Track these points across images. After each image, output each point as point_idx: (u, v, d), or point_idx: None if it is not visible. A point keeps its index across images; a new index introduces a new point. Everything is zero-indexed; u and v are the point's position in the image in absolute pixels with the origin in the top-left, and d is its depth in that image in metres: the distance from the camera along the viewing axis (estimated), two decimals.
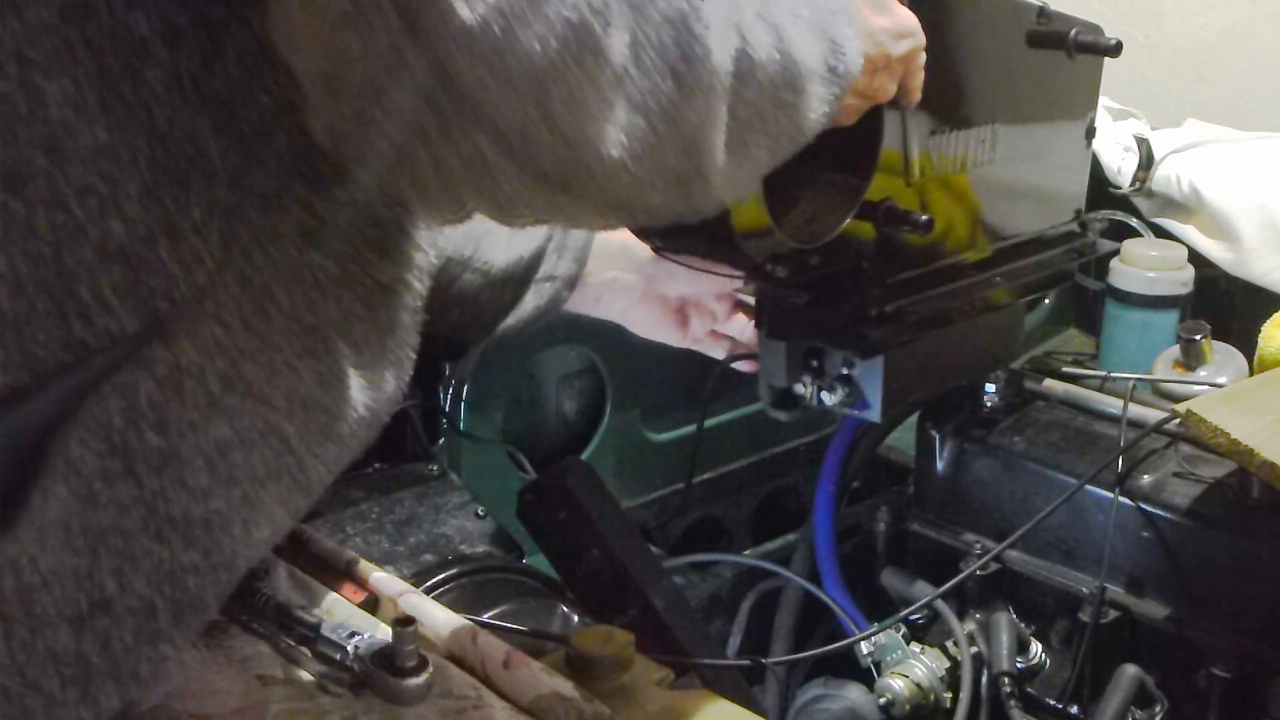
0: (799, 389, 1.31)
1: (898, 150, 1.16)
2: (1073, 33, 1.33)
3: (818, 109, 0.83)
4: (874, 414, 1.29)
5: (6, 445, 0.68)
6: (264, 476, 0.76)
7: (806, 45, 0.80)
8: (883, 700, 1.44)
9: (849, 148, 1.04)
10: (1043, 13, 1.32)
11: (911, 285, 1.27)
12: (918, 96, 1.05)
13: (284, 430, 0.76)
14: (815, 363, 1.29)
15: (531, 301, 1.29)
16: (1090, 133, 1.51)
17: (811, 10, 0.81)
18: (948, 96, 1.22)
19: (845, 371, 1.28)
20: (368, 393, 0.81)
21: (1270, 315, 1.50)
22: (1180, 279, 1.71)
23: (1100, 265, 1.78)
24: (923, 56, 1.02)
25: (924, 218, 1.14)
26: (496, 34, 0.62)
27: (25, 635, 0.69)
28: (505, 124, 0.65)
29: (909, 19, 0.99)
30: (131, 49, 0.68)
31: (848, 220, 1.12)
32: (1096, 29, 1.37)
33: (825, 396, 1.30)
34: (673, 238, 1.17)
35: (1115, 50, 1.34)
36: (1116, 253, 1.68)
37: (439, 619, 0.95)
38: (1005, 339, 1.51)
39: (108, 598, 0.71)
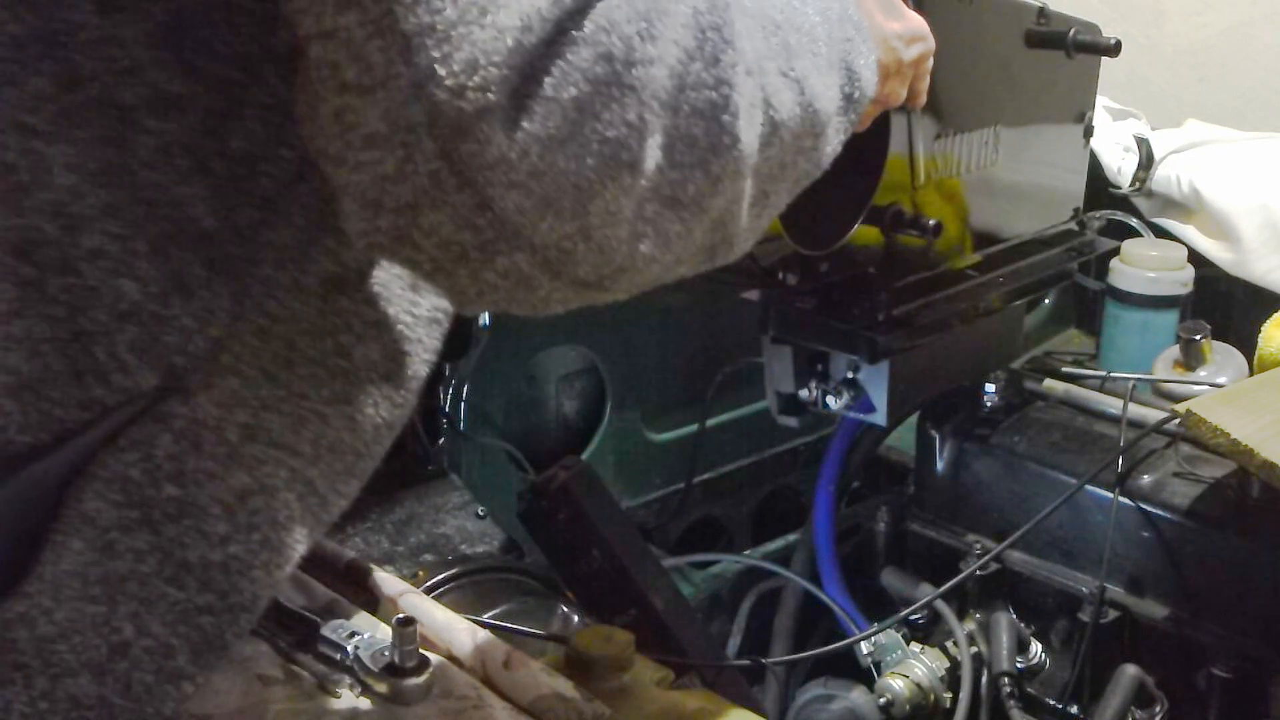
0: (804, 394, 1.30)
1: (904, 155, 1.16)
2: (1071, 32, 1.33)
3: (835, 140, 0.83)
4: (880, 417, 1.29)
5: (22, 501, 0.68)
6: (286, 521, 0.75)
7: (826, 88, 0.80)
8: (883, 700, 1.44)
9: (856, 153, 1.05)
10: (1042, 13, 1.32)
11: (916, 289, 1.27)
12: (924, 99, 1.05)
13: (309, 475, 0.75)
14: (820, 367, 1.29)
15: None
16: (1088, 132, 1.51)
17: (829, 43, 0.81)
18: (951, 100, 1.22)
19: (850, 376, 1.28)
20: (394, 429, 0.81)
21: (1270, 315, 1.50)
22: (1180, 279, 1.71)
23: (1100, 265, 1.78)
24: (931, 60, 1.02)
25: (932, 222, 1.14)
26: (535, 160, 0.61)
27: (46, 684, 0.69)
28: (543, 243, 0.64)
29: (919, 23, 0.99)
30: (118, 118, 0.67)
31: (857, 226, 1.12)
32: (1094, 28, 1.37)
33: (830, 401, 1.29)
34: None
35: (1114, 50, 1.34)
36: (1116, 251, 1.68)
37: (439, 619, 0.95)
38: (1006, 339, 1.51)
39: (125, 642, 0.71)
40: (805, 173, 0.81)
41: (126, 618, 0.71)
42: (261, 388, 0.73)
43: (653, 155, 0.65)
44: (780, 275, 1.13)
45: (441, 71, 0.59)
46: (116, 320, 0.69)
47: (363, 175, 0.63)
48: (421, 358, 0.80)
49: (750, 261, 1.09)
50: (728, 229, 0.73)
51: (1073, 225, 1.52)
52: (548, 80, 0.61)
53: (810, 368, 1.30)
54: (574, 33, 0.61)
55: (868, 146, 1.07)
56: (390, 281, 0.78)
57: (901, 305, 1.24)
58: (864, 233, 1.14)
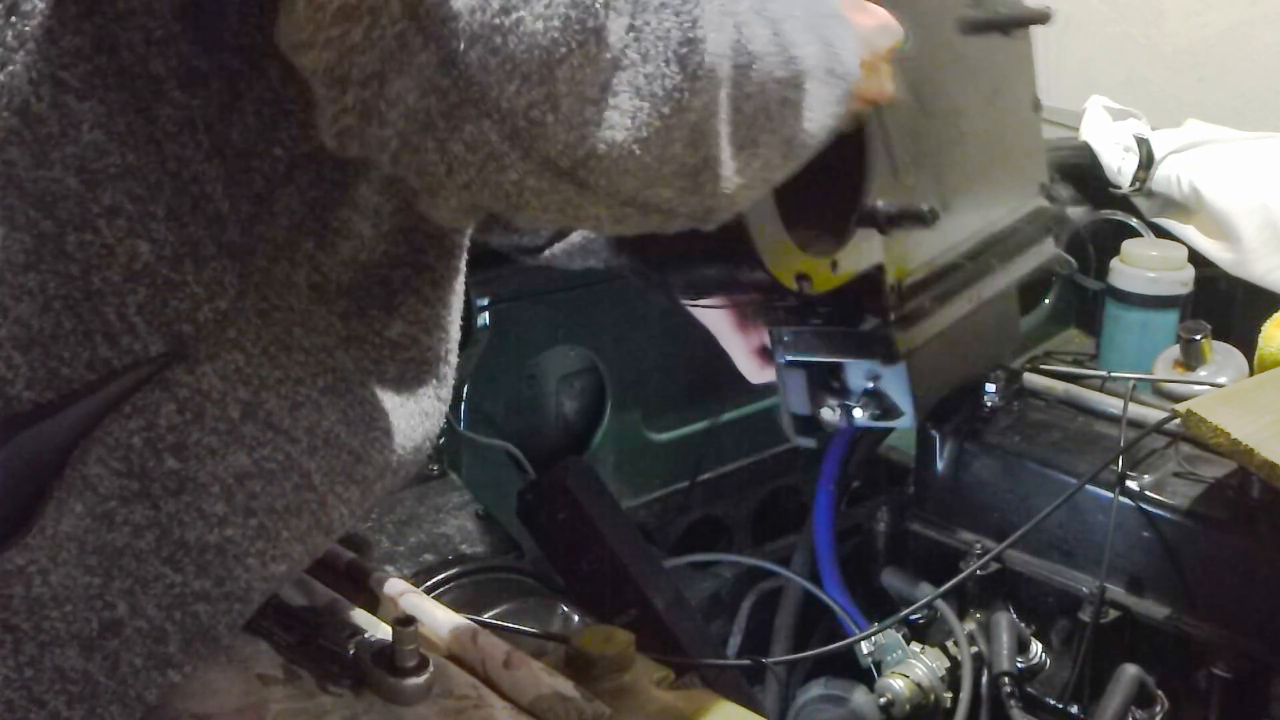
0: (826, 414, 1.29)
1: (881, 149, 1.16)
2: (1004, 13, 1.32)
3: (822, 111, 0.83)
4: (908, 420, 1.28)
5: (27, 459, 0.69)
6: (283, 510, 0.76)
7: (804, 44, 0.79)
8: (883, 700, 1.44)
9: (832, 160, 1.04)
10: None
11: (917, 287, 1.27)
12: (891, 90, 1.05)
13: (305, 466, 0.76)
14: (835, 383, 1.29)
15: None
16: (1036, 105, 1.50)
17: (807, 14, 0.81)
18: (913, 89, 1.22)
19: (870, 385, 1.28)
20: (395, 439, 0.82)
21: (1270, 315, 1.50)
22: (1180, 279, 1.71)
23: (1100, 265, 1.79)
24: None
25: (925, 207, 1.14)
26: (499, 17, 0.62)
27: (33, 651, 0.69)
28: (510, 108, 0.64)
29: (886, 15, 0.99)
30: (147, 85, 0.69)
31: (854, 231, 1.12)
32: (1018, 3, 1.37)
33: (857, 414, 1.28)
34: (691, 270, 1.16)
35: (1044, 18, 1.33)
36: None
37: (439, 619, 0.95)
38: (1008, 326, 1.51)
39: (118, 619, 0.71)
40: (795, 135, 0.80)
41: (121, 594, 0.71)
42: (263, 366, 0.74)
43: (618, 33, 0.65)
44: (798, 285, 1.13)
45: None
46: (129, 280, 0.69)
47: (331, 52, 0.63)
48: (390, 379, 0.81)
49: (760, 275, 1.08)
50: (709, 148, 0.72)
51: (1042, 201, 1.52)
52: None
53: (826, 385, 1.29)
54: None
55: (844, 152, 1.07)
56: (365, 301, 0.79)
57: (906, 303, 1.24)
58: (860, 238, 1.14)
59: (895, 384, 1.27)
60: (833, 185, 1.07)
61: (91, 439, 0.70)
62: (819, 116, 0.83)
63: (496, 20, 0.62)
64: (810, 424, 1.31)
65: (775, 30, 0.75)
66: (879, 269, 1.20)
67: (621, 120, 0.67)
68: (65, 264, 0.69)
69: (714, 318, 1.28)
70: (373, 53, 0.63)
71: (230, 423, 0.73)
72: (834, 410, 1.28)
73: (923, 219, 1.14)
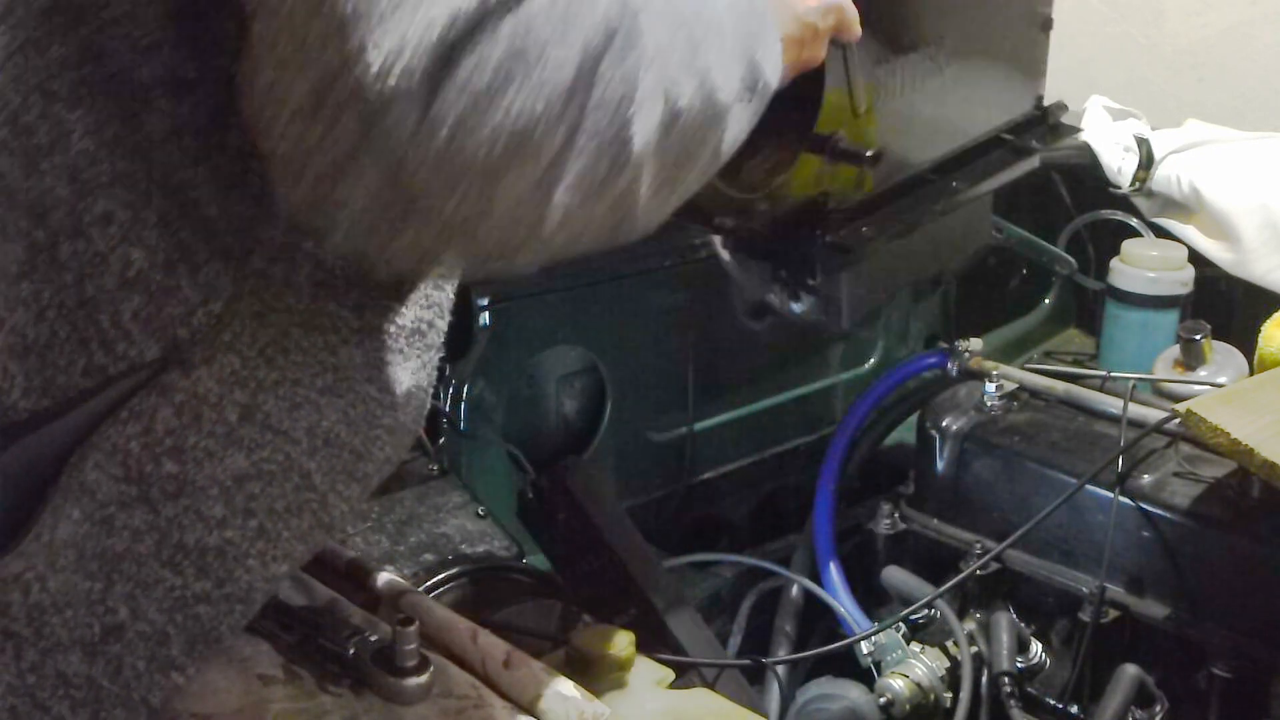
0: (770, 299, 1.31)
1: (842, 87, 1.16)
2: None
3: (737, 126, 0.86)
4: (842, 322, 1.30)
5: (24, 466, 0.69)
6: (283, 511, 0.76)
7: (728, 79, 0.83)
8: (883, 700, 1.44)
9: (793, 90, 1.04)
10: None
11: (870, 203, 1.27)
12: (857, 33, 1.07)
13: (305, 467, 0.76)
14: (783, 272, 1.30)
15: None
16: (1046, 24, 1.50)
17: (735, 36, 0.84)
18: (891, 23, 1.22)
19: (811, 282, 1.29)
20: (395, 435, 0.82)
21: (1270, 315, 1.50)
22: (1180, 279, 1.71)
23: (1100, 265, 1.79)
24: (853, 15, 1.05)
25: (869, 153, 1.13)
26: (444, 141, 0.65)
27: (35, 657, 0.69)
28: (449, 219, 0.67)
29: None
30: (134, 93, 0.69)
31: (794, 164, 1.12)
32: None
33: (795, 306, 1.30)
34: None
35: None
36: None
37: (439, 619, 0.95)
38: (973, 229, 1.50)
39: (120, 624, 0.71)
40: (710, 156, 0.84)
41: (122, 599, 0.71)
42: (259, 369, 0.74)
43: (556, 144, 0.68)
44: (716, 221, 1.14)
45: (370, 54, 0.62)
46: (123, 288, 0.70)
47: (289, 145, 0.65)
48: (405, 367, 0.81)
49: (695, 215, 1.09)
50: (628, 210, 0.76)
51: (1033, 112, 1.51)
52: (464, 67, 0.64)
53: (775, 274, 1.30)
54: (492, 29, 0.64)
55: (804, 84, 1.07)
56: (376, 291, 0.79)
57: (853, 222, 1.24)
58: (802, 164, 1.14)
59: (833, 287, 1.28)
60: (782, 113, 1.07)
61: (89, 445, 0.70)
62: (735, 132, 0.86)
63: (442, 144, 0.65)
64: (760, 307, 1.32)
65: (702, 79, 0.79)
66: (824, 194, 1.20)
67: (551, 214, 0.70)
68: (59, 272, 0.69)
69: None
70: (326, 156, 0.65)
71: (228, 426, 0.73)
72: (776, 297, 1.30)
73: (865, 161, 1.14)
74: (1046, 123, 1.51)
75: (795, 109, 1.11)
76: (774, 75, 0.89)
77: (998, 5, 1.41)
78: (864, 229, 1.25)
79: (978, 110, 1.42)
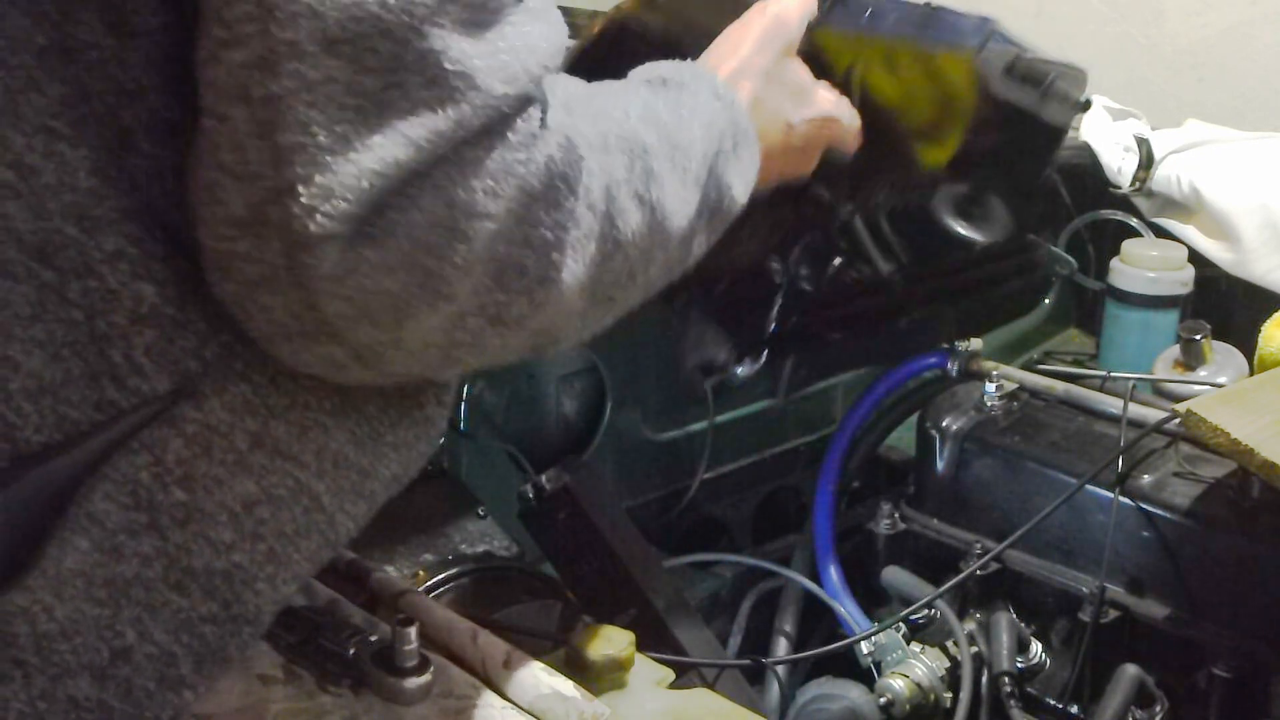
0: (716, 358, 1.34)
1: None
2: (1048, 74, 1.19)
3: (692, 246, 0.90)
4: (778, 395, 1.33)
5: (32, 498, 0.68)
6: (293, 534, 0.76)
7: (684, 204, 0.85)
8: (883, 700, 1.44)
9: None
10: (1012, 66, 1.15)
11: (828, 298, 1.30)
12: (853, 147, 1.10)
13: (314, 489, 0.77)
14: (731, 341, 1.33)
15: None
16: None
17: (704, 159, 0.87)
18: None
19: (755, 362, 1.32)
20: (401, 451, 0.82)
21: (1270, 315, 1.50)
22: (1180, 279, 1.71)
23: (1100, 265, 1.78)
24: (851, 128, 1.08)
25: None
26: (361, 280, 0.67)
27: (45, 684, 0.69)
28: (358, 343, 0.70)
29: (831, 107, 1.06)
30: (116, 136, 0.70)
31: (763, 256, 1.16)
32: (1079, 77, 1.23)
33: (738, 370, 1.33)
34: None
35: (1084, 106, 1.25)
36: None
37: (439, 619, 0.95)
38: (930, 329, 1.53)
39: (128, 647, 0.71)
40: (658, 275, 0.87)
41: (129, 623, 0.71)
42: (270, 395, 0.74)
43: (472, 287, 0.70)
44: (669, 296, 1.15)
45: (301, 190, 0.65)
46: (135, 324, 0.69)
47: (221, 245, 0.68)
48: (389, 391, 0.81)
49: None
50: (553, 334, 0.79)
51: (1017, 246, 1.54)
52: (391, 216, 0.66)
53: (721, 339, 1.33)
54: (424, 180, 0.67)
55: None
56: (261, 340, 0.79)
57: (801, 316, 1.27)
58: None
59: (776, 367, 1.30)
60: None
61: (98, 476, 0.70)
62: (694, 248, 0.90)
63: (357, 281, 0.67)
64: (707, 369, 1.35)
65: (653, 211, 0.82)
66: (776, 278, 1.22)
67: (463, 339, 0.73)
68: (69, 311, 0.69)
69: None
70: (252, 268, 0.67)
71: (238, 453, 0.73)
72: (722, 360, 1.33)
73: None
74: (1028, 253, 1.54)
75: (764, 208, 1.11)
76: (743, 193, 0.93)
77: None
78: (817, 323, 1.29)
79: (956, 236, 1.45)
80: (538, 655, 0.93)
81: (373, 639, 0.87)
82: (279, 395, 0.74)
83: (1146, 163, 1.86)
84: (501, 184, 0.69)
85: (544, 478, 1.34)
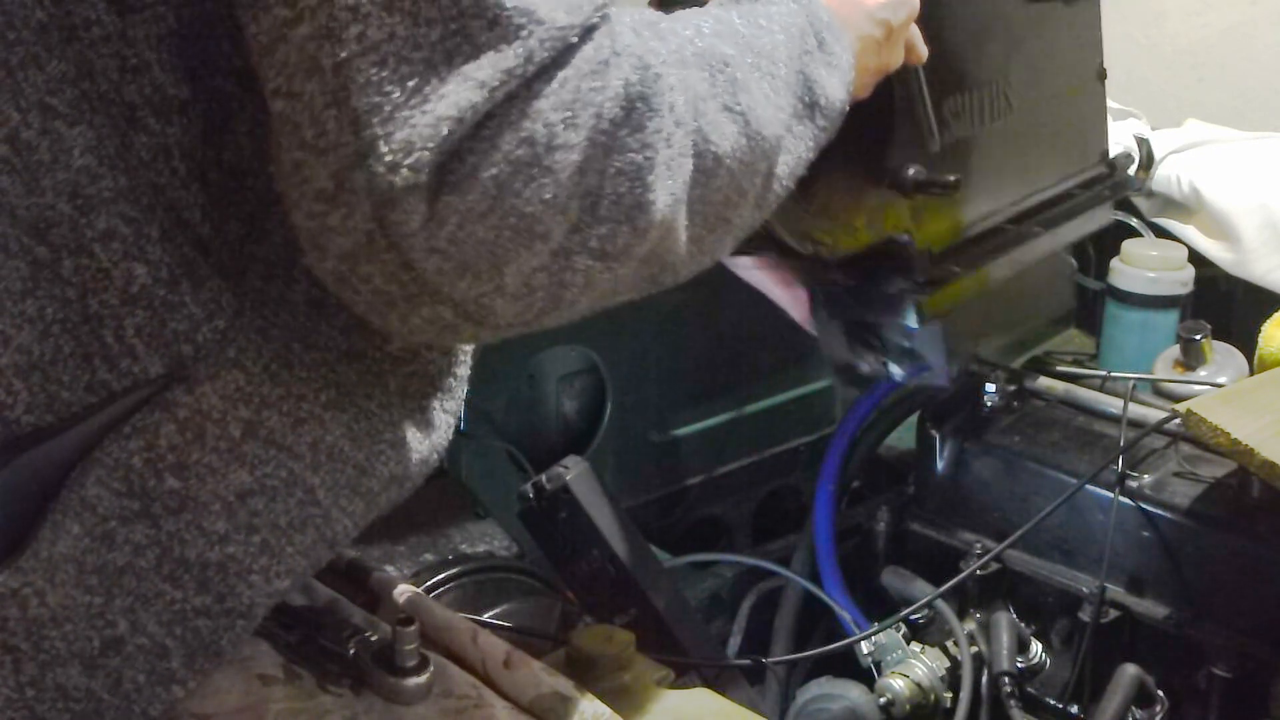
0: (864, 367, 1.32)
1: (915, 117, 1.17)
2: None
3: (798, 152, 0.88)
4: (943, 378, 1.31)
5: (25, 481, 0.69)
6: (286, 526, 0.76)
7: (779, 110, 0.84)
8: (883, 700, 1.44)
9: (863, 124, 1.05)
10: None
11: (953, 251, 1.28)
12: (924, 52, 1.09)
13: (309, 482, 0.76)
14: (872, 339, 1.30)
15: None
16: (1100, 75, 1.51)
17: (789, 61, 0.86)
18: (956, 60, 1.23)
19: (905, 343, 1.30)
20: (400, 450, 0.82)
21: (1270, 315, 1.50)
22: (1180, 279, 1.71)
23: (1100, 265, 1.78)
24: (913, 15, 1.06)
25: (950, 178, 1.15)
26: (453, 230, 0.66)
27: (34, 671, 0.69)
28: (462, 298, 0.70)
29: None
30: (122, 113, 0.70)
31: (873, 193, 1.13)
32: None
33: (893, 369, 1.31)
34: None
35: None
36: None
37: (439, 619, 0.95)
38: (1057, 288, 1.51)
39: (119, 637, 0.71)
40: (762, 188, 0.85)
41: (121, 612, 0.71)
42: (264, 384, 0.74)
43: (569, 221, 0.69)
44: (811, 248, 1.15)
45: (382, 148, 0.64)
46: (126, 304, 0.70)
47: (314, 223, 0.68)
48: (389, 390, 0.81)
49: (774, 238, 1.10)
50: (665, 260, 0.77)
51: (1102, 169, 1.53)
52: (472, 160, 0.66)
53: (864, 339, 1.31)
54: (502, 119, 0.66)
55: (874, 116, 1.08)
56: (368, 313, 0.79)
57: (938, 266, 1.25)
58: (889, 202, 1.16)
59: (930, 344, 1.28)
60: (859, 147, 1.07)
61: (90, 460, 0.70)
62: (800, 155, 0.88)
63: (449, 234, 0.66)
64: (854, 373, 1.33)
65: (746, 120, 0.80)
66: (908, 234, 1.21)
67: (571, 280, 0.72)
68: (62, 289, 0.69)
69: (759, 275, 1.33)
70: (346, 239, 0.67)
71: (231, 441, 0.73)
72: (872, 365, 1.30)
73: (947, 187, 1.15)
74: (1114, 178, 1.53)
75: (867, 147, 1.12)
76: (840, 89, 0.91)
77: (1058, 51, 1.42)
78: (953, 268, 1.26)
79: (1046, 160, 1.44)
80: (538, 655, 0.93)
81: (373, 639, 0.87)
82: (273, 385, 0.74)
83: (1146, 163, 1.86)
84: (579, 114, 0.68)
85: (544, 478, 1.34)
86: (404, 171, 0.65)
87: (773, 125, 0.83)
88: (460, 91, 0.65)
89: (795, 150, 0.87)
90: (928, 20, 1.06)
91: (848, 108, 0.93)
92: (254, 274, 0.74)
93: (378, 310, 0.71)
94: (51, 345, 0.69)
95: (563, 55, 0.68)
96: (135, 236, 0.70)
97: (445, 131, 0.65)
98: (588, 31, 0.69)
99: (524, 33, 0.66)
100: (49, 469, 0.69)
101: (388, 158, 0.64)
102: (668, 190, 0.73)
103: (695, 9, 0.86)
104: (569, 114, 0.68)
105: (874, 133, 1.12)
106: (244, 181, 0.73)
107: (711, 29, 0.82)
